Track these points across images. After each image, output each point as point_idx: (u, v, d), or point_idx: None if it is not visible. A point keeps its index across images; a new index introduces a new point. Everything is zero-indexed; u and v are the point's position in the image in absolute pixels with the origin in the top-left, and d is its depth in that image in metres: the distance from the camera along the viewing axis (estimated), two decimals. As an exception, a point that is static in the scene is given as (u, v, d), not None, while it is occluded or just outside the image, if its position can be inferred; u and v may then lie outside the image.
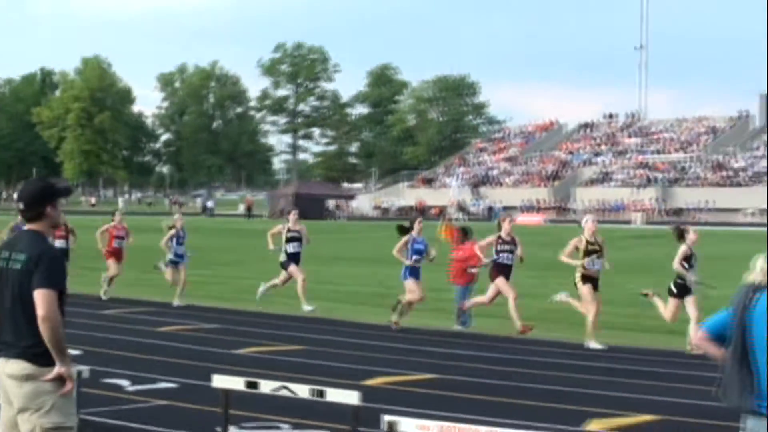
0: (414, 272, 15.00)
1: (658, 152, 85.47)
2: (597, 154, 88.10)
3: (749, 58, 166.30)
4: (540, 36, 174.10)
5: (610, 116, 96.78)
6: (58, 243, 16.24)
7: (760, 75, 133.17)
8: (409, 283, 15.00)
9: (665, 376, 11.24)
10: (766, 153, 74.75)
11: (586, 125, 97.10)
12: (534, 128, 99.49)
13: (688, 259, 13.40)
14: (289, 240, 16.68)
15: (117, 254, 18.53)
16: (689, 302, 13.27)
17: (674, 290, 13.45)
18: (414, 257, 14.88)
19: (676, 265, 13.40)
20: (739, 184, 74.02)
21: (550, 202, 78.93)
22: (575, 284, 13.92)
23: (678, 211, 70.75)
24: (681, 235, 13.79)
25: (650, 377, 11.35)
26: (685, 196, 73.57)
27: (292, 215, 17.33)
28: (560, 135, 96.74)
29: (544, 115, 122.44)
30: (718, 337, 5.24)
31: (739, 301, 5.06)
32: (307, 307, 16.27)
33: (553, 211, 75.06)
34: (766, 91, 79.25)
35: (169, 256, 17.95)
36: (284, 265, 16.74)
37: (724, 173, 76.81)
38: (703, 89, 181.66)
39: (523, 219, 59.86)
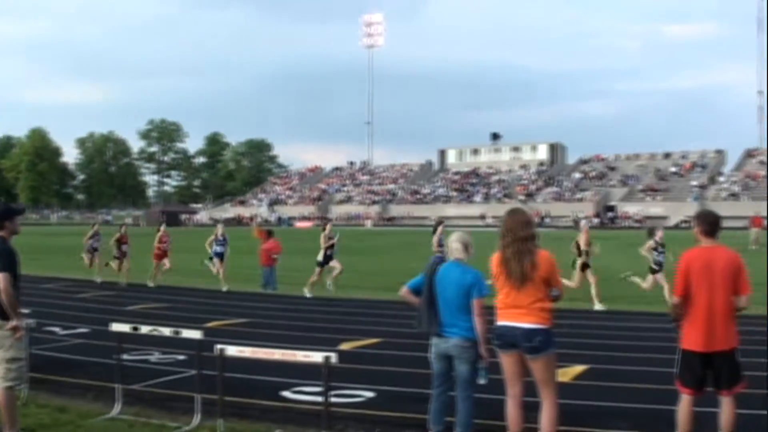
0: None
1: (380, 184, 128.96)
2: (344, 185, 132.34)
3: (430, 128, 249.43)
4: (312, 114, 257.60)
5: (351, 163, 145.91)
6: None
7: (438, 138, 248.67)
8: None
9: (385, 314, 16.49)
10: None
11: (337, 168, 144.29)
12: (306, 170, 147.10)
13: (656, 248, 18.43)
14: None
15: (163, 255, 24.15)
16: (660, 277, 18.35)
17: (655, 268, 18.46)
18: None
19: (644, 252, 18.75)
20: (426, 202, 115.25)
21: (316, 214, 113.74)
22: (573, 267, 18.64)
23: (391, 218, 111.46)
24: (651, 233, 19.21)
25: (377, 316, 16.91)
26: (396, 211, 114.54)
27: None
28: (322, 174, 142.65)
29: (313, 162, 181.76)
30: (415, 291, 7.54)
31: (429, 268, 7.47)
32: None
33: (317, 219, 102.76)
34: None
35: (211, 253, 23.67)
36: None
37: (419, 196, 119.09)
38: (405, 146, 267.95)
39: (300, 224, 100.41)
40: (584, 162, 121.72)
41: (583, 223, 22.34)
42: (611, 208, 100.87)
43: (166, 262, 24.12)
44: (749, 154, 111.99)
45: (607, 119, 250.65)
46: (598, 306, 18.20)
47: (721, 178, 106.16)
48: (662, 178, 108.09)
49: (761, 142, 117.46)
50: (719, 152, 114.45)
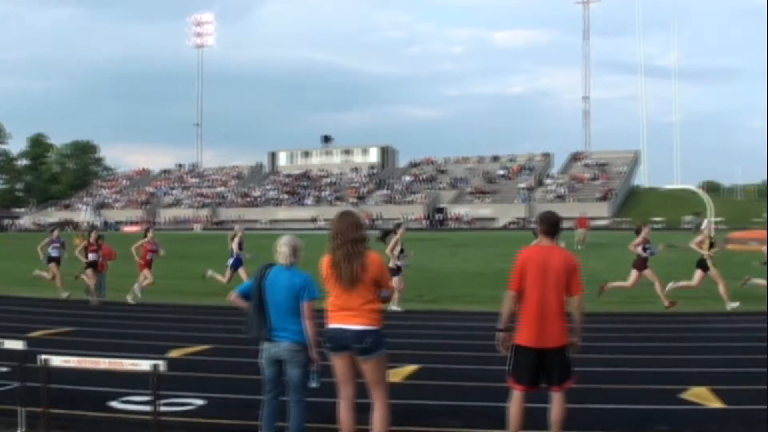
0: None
1: (209, 187, 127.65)
2: (172, 189, 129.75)
3: (260, 130, 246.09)
4: (140, 115, 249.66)
5: (180, 165, 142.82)
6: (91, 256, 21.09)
7: (269, 140, 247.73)
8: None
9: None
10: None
11: (165, 171, 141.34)
12: (133, 173, 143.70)
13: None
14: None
15: (149, 265, 21.47)
16: (648, 273, 18.39)
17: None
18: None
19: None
20: (257, 205, 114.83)
21: (144, 218, 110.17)
22: None
23: (221, 222, 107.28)
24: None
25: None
26: (226, 214, 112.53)
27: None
28: (150, 177, 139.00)
29: (141, 164, 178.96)
30: (245, 296, 7.52)
31: (258, 273, 7.43)
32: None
33: (145, 223, 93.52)
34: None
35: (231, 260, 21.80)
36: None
37: (249, 199, 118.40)
38: (235, 148, 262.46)
39: (128, 229, 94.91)
40: (414, 165, 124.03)
41: (705, 224, 22.66)
42: (441, 210, 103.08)
43: None
44: (575, 158, 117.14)
45: (437, 123, 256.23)
46: (730, 305, 18.15)
47: (548, 181, 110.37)
48: (491, 181, 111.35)
49: (586, 145, 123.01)
50: (546, 155, 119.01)
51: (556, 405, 7.37)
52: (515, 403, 7.41)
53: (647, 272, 18.57)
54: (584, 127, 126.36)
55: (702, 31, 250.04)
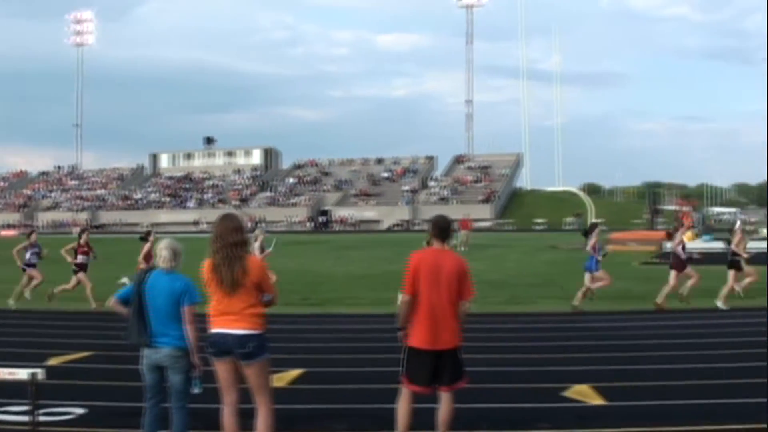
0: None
1: (89, 189, 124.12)
2: (51, 191, 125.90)
3: (142, 131, 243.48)
4: (17, 115, 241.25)
5: (59, 167, 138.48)
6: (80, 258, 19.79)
7: (150, 141, 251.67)
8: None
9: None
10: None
11: (43, 173, 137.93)
12: (10, 175, 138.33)
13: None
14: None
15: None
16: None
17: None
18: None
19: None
20: (138, 208, 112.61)
21: (21, 222, 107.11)
22: None
23: (101, 226, 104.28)
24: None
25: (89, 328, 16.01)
26: (106, 217, 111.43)
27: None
28: (27, 179, 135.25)
29: (18, 166, 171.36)
30: (125, 301, 7.39)
31: (138, 278, 7.36)
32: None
33: (23, 227, 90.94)
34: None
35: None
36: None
37: (130, 201, 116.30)
38: (116, 149, 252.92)
39: (5, 233, 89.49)
40: (298, 167, 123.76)
41: (738, 224, 22.63)
42: (325, 213, 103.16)
43: None
44: (458, 160, 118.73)
45: (321, 124, 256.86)
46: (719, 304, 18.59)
47: (432, 183, 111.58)
48: (375, 183, 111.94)
49: (469, 148, 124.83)
50: (430, 158, 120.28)
51: (445, 405, 7.45)
52: (404, 402, 7.47)
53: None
54: (467, 130, 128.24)
55: (583, 36, 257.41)
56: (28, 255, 20.66)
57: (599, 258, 18.69)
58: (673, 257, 19.39)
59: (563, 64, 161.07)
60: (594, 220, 29.46)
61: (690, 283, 19.08)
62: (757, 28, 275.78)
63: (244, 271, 6.86)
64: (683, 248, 19.33)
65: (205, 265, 7.01)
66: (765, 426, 8.16)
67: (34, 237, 21.14)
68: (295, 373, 11.18)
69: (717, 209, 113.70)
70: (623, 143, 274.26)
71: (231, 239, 6.91)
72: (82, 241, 20.21)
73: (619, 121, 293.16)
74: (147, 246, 19.72)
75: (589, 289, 18.70)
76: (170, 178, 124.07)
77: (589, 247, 18.71)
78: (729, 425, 8.22)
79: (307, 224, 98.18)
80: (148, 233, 20.56)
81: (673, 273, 18.93)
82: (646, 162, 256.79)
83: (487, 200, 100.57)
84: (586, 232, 19.42)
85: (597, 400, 9.42)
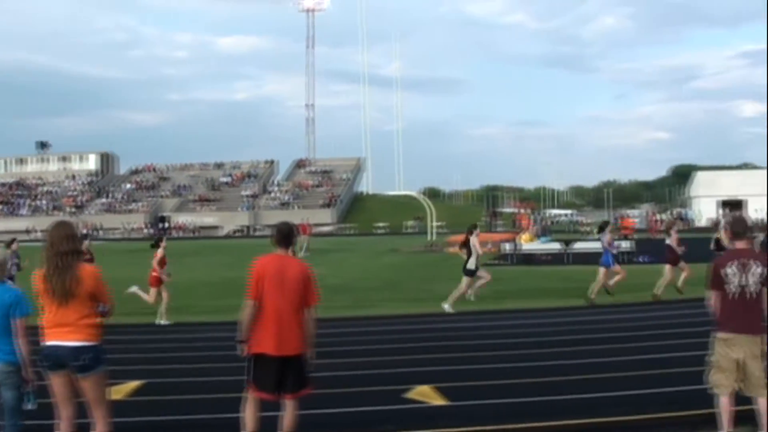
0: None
1: None
2: None
3: None
4: None
5: None
6: None
7: None
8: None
9: None
10: None
11: None
12: None
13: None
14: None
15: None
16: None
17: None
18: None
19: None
20: None
21: None
22: None
23: None
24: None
25: None
26: None
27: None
28: None
29: None
30: None
31: None
32: None
33: None
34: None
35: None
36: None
37: None
38: None
39: None
40: (136, 172, 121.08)
41: (723, 223, 23.43)
42: (163, 219, 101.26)
43: None
44: (299, 165, 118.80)
45: (160, 128, 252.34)
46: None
47: (273, 188, 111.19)
48: (215, 188, 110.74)
49: (310, 153, 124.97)
50: (270, 163, 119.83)
51: (289, 412, 7.45)
52: (250, 409, 7.44)
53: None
54: (308, 135, 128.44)
55: (423, 42, 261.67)
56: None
57: (614, 252, 20.29)
58: (668, 251, 20.54)
59: (404, 69, 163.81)
60: (605, 219, 30.30)
61: (683, 275, 20.35)
62: (594, 36, 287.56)
63: (77, 280, 6.64)
64: (678, 244, 20.57)
65: (38, 274, 6.77)
66: (602, 420, 8.51)
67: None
68: (133, 384, 10.92)
69: (554, 211, 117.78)
70: (462, 147, 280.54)
71: (62, 248, 6.69)
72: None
73: (458, 125, 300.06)
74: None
75: (605, 284, 19.86)
76: (2, 184, 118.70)
77: (605, 243, 19.90)
78: (572, 420, 8.55)
79: (145, 231, 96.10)
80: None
81: (668, 267, 20.34)
82: (485, 166, 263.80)
83: (328, 205, 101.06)
84: (600, 229, 20.88)
85: (439, 401, 9.59)
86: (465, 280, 19.29)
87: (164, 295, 18.18)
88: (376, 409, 9.40)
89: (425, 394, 9.87)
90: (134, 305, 18.55)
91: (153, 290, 18.23)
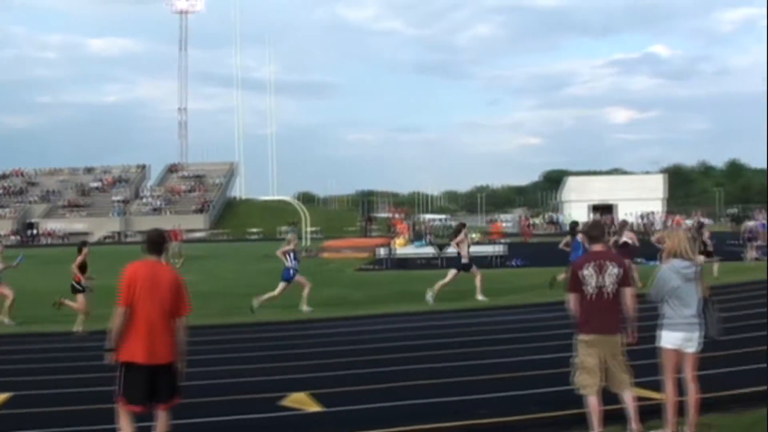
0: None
1: None
2: None
3: None
4: None
5: None
6: None
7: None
8: None
9: None
10: None
11: None
12: None
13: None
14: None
15: None
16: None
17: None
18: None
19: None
20: None
21: None
22: None
23: None
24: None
25: None
26: None
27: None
28: None
29: None
30: None
31: None
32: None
33: None
34: None
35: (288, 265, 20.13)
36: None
37: None
38: None
39: None
40: (3, 177, 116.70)
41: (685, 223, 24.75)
42: (32, 225, 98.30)
43: None
44: (171, 170, 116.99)
45: (28, 131, 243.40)
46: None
47: (144, 193, 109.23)
48: (84, 194, 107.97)
49: (183, 157, 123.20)
50: (142, 167, 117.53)
51: (161, 423, 7.37)
52: (124, 422, 7.33)
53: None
54: (181, 139, 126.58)
55: (298, 46, 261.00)
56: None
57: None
58: (622, 248, 21.33)
59: (278, 73, 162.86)
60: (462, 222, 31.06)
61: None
62: (468, 43, 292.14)
63: None
64: (637, 241, 22.33)
65: None
66: (477, 422, 8.68)
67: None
68: (0, 397, 10.62)
69: (428, 216, 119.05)
70: (338, 152, 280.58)
71: None
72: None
73: (333, 130, 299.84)
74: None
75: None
76: None
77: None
78: (447, 423, 8.68)
79: (12, 238, 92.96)
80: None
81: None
82: (359, 171, 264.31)
83: (201, 210, 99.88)
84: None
85: (314, 407, 9.62)
86: (451, 272, 21.54)
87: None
88: (250, 417, 9.34)
89: (300, 401, 9.88)
90: None
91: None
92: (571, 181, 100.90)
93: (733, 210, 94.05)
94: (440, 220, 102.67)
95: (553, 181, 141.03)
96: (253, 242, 79.91)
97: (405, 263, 35.49)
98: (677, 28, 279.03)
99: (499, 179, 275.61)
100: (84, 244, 19.00)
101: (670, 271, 7.63)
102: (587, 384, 7.58)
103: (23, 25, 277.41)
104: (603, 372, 7.57)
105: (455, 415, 8.91)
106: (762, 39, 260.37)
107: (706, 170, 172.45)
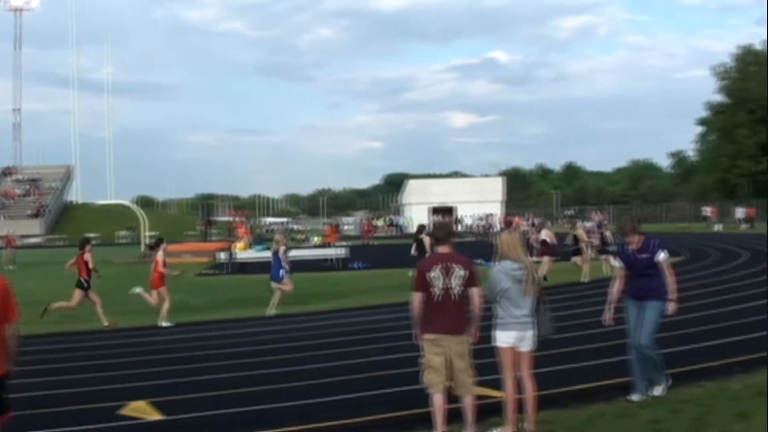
0: None
1: None
2: None
3: None
4: None
5: None
6: None
7: None
8: None
9: None
10: None
11: None
12: None
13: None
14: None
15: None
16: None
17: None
18: None
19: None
20: None
21: None
22: None
23: None
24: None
25: None
26: None
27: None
28: None
29: None
30: None
31: None
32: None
33: None
34: None
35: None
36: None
37: None
38: None
39: None
40: None
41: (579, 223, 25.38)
42: None
43: None
44: (5, 173, 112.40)
45: None
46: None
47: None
48: None
49: (17, 160, 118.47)
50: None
51: (-6, 440, 7.07)
52: None
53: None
54: (15, 141, 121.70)
55: (137, 46, 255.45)
56: None
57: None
58: (542, 245, 23.79)
59: (116, 74, 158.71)
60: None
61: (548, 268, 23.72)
62: (310, 46, 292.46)
63: None
64: (555, 238, 24.34)
65: None
66: (319, 425, 8.71)
67: None
68: None
69: (269, 219, 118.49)
70: (176, 155, 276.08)
71: None
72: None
73: (172, 132, 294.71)
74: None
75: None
76: None
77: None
78: (289, 427, 8.66)
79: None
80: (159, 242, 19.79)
81: (545, 258, 23.60)
82: (199, 174, 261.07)
83: (36, 215, 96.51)
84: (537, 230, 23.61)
85: (154, 416, 9.44)
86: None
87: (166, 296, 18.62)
88: (89, 428, 9.07)
89: (140, 410, 9.67)
90: None
91: (154, 292, 19.06)
92: (412, 184, 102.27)
93: (570, 212, 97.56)
94: (282, 223, 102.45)
95: (395, 184, 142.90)
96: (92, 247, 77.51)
97: (245, 267, 35.21)
98: (516, 35, 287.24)
99: (341, 182, 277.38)
100: (87, 241, 19.83)
101: (501, 273, 7.85)
102: (434, 382, 7.68)
103: None
104: (448, 372, 7.71)
105: (297, 420, 8.92)
106: (598, 45, 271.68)
107: (543, 173, 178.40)
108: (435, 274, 7.68)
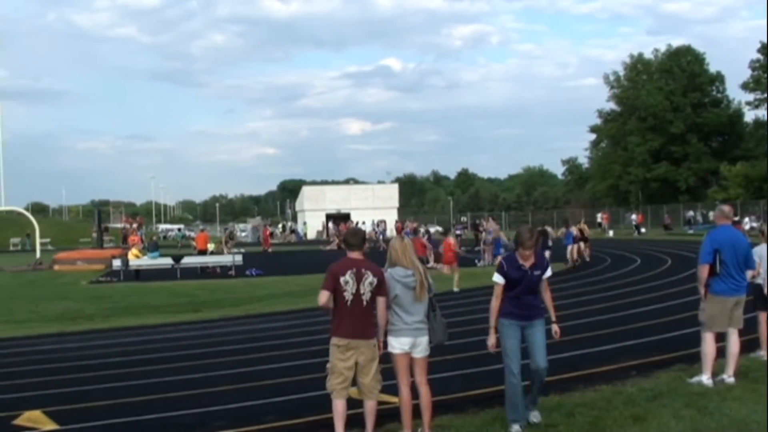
0: None
1: None
2: None
3: None
4: None
5: None
6: None
7: None
8: None
9: None
10: None
11: None
12: None
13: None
14: None
15: None
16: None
17: None
18: None
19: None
20: None
21: None
22: None
23: None
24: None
25: None
26: None
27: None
28: None
29: None
30: None
31: None
32: None
33: None
34: None
35: None
36: None
37: None
38: None
39: None
40: None
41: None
42: None
43: None
44: None
45: None
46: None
47: None
48: None
49: None
50: None
51: None
52: None
53: None
54: None
55: (28, 51, 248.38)
56: None
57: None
58: (446, 250, 25.77)
59: (6, 78, 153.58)
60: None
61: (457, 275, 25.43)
62: (203, 52, 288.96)
63: None
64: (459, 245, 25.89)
65: None
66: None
67: None
68: None
69: (164, 226, 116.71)
70: (69, 162, 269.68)
71: None
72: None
73: (64, 138, 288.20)
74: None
75: None
76: None
77: None
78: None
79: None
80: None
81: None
82: (92, 180, 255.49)
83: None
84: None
85: (50, 425, 9.24)
86: None
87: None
88: (-19, 438, 8.91)
89: (35, 420, 9.44)
90: None
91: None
92: (307, 191, 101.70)
93: (464, 218, 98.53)
94: (177, 229, 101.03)
95: (290, 190, 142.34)
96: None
97: (140, 275, 34.62)
98: (409, 42, 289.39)
99: (236, 189, 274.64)
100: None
101: (392, 280, 7.77)
102: (336, 387, 7.64)
103: None
104: (353, 376, 7.69)
105: (191, 428, 8.86)
106: (490, 54, 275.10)
107: (437, 180, 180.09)
108: (346, 279, 7.61)
